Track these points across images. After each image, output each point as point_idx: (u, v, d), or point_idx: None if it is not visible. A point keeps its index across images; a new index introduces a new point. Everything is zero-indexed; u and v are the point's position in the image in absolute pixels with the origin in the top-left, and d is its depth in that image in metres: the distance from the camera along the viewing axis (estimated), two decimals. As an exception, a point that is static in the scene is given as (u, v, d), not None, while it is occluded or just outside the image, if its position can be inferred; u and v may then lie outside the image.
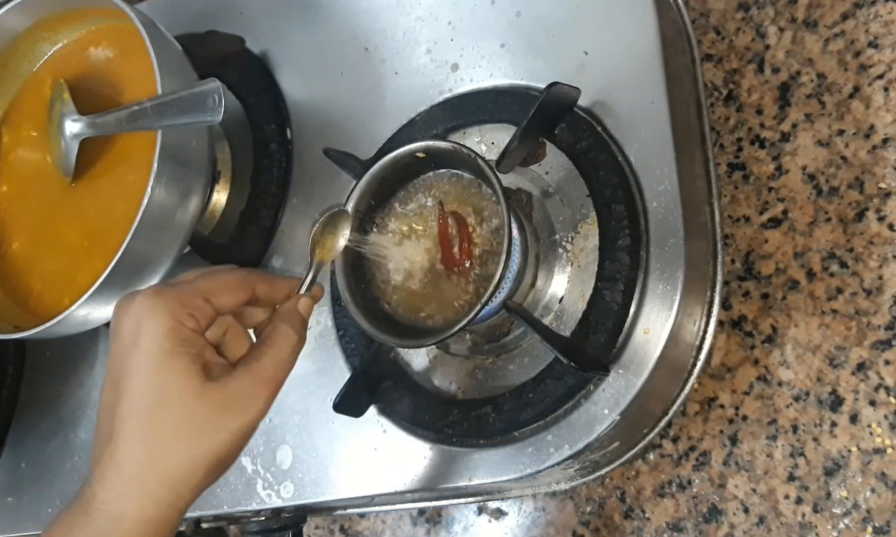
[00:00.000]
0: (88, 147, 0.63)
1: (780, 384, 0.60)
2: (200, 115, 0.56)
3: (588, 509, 0.65)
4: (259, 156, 0.70)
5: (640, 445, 0.59)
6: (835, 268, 0.60)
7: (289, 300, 0.51)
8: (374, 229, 0.58)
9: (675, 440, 0.63)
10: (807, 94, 0.63)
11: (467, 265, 0.54)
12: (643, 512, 0.63)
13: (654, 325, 0.54)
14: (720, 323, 0.60)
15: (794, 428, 0.59)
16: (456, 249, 0.54)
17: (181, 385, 0.44)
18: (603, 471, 0.60)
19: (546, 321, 0.58)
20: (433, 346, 0.62)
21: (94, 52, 0.68)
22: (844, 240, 0.60)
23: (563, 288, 0.59)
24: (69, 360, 0.76)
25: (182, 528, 0.69)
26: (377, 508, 0.68)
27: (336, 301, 0.65)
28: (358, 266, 0.57)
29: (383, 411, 0.61)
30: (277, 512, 0.66)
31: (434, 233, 0.56)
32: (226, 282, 0.48)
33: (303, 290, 0.51)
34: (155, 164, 0.57)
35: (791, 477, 0.59)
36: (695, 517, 0.61)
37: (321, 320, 0.65)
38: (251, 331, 0.51)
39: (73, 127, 0.63)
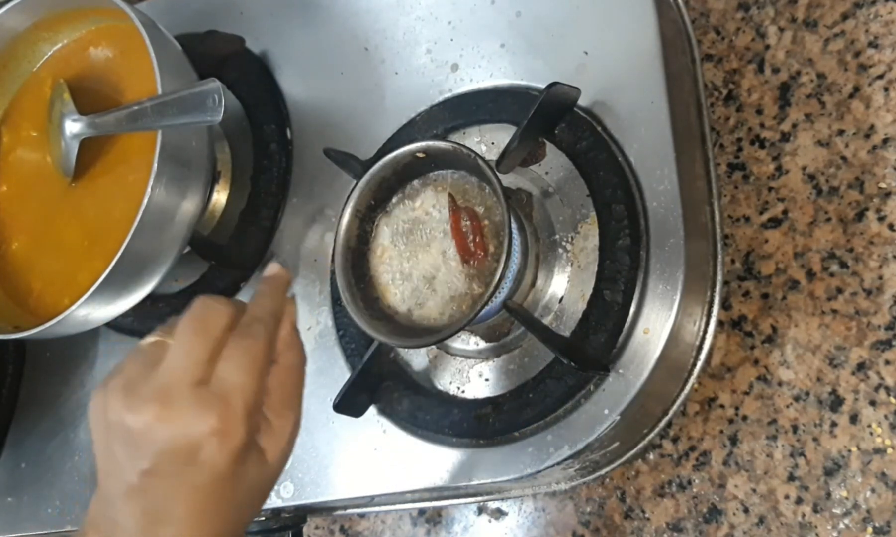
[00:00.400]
0: (88, 147, 0.63)
1: (780, 384, 0.60)
2: (200, 115, 0.56)
3: (588, 509, 0.65)
4: (259, 156, 0.70)
5: (640, 445, 0.59)
6: (835, 268, 0.60)
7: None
8: (375, 229, 0.58)
9: (675, 440, 0.63)
10: (807, 94, 0.63)
11: (482, 256, 0.54)
12: (643, 512, 0.63)
13: (654, 325, 0.54)
14: (720, 323, 0.60)
15: (794, 428, 0.59)
16: (471, 242, 0.54)
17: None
18: (603, 471, 0.60)
19: (546, 321, 0.58)
20: (433, 346, 0.62)
21: (94, 52, 0.68)
22: (844, 240, 0.60)
23: (563, 288, 0.59)
24: (69, 360, 0.76)
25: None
26: (377, 508, 0.68)
27: (336, 301, 0.65)
28: (358, 266, 0.58)
29: (383, 411, 0.61)
30: (277, 512, 0.66)
31: (433, 233, 0.56)
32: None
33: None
34: (155, 164, 0.57)
35: (791, 477, 0.59)
36: (695, 517, 0.61)
37: (321, 320, 0.65)
38: None
39: (73, 127, 0.63)
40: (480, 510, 0.69)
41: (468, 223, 0.55)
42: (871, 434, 0.57)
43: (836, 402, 0.58)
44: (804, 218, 0.61)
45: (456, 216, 0.55)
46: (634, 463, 0.64)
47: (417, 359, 0.63)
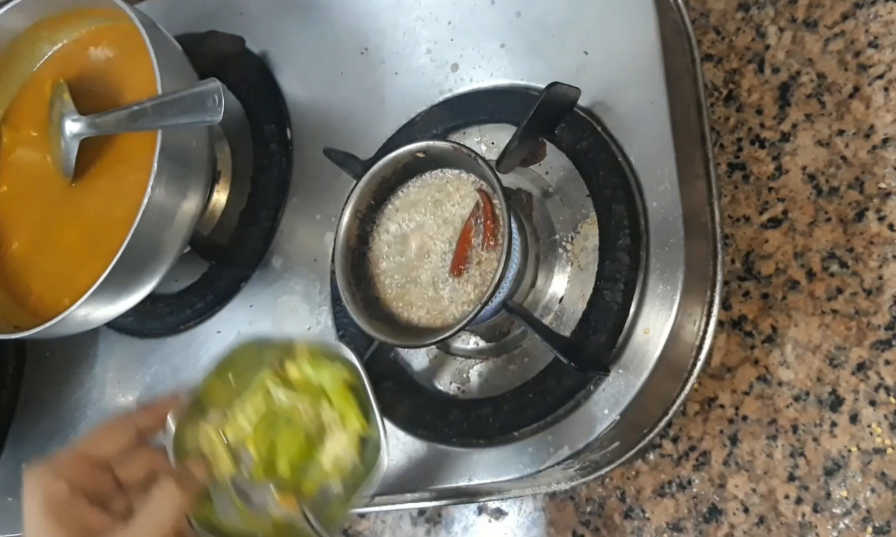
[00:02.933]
0: (88, 147, 0.63)
1: (780, 384, 0.60)
2: (200, 115, 0.56)
3: (588, 509, 0.65)
4: (259, 156, 0.70)
5: (640, 445, 0.59)
6: (835, 268, 0.60)
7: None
8: (374, 229, 0.58)
9: (675, 440, 0.63)
10: (807, 94, 0.63)
11: (492, 244, 0.54)
12: (643, 512, 0.63)
13: (654, 325, 0.54)
14: (720, 323, 0.60)
15: (794, 428, 0.59)
16: (480, 226, 0.54)
17: None
18: (603, 471, 0.60)
19: (546, 321, 0.58)
20: (433, 346, 0.62)
21: (94, 52, 0.68)
22: (844, 240, 0.60)
23: (563, 288, 0.59)
24: (69, 360, 0.76)
25: (182, 528, 0.69)
26: (377, 508, 0.68)
27: (336, 301, 0.65)
28: (358, 266, 0.58)
29: (383, 411, 0.61)
30: (277, 512, 0.66)
31: (434, 233, 0.56)
32: (100, 432, 0.50)
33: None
34: (155, 164, 0.57)
35: (791, 477, 0.59)
36: (695, 517, 0.61)
37: (321, 320, 0.65)
38: None
39: (73, 127, 0.63)
40: (480, 510, 0.69)
41: (480, 224, 0.54)
42: (871, 434, 0.57)
43: (836, 402, 0.58)
44: (804, 218, 0.61)
45: (468, 225, 0.54)
46: (634, 463, 0.63)
47: (417, 359, 0.63)
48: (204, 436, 0.53)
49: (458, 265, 0.55)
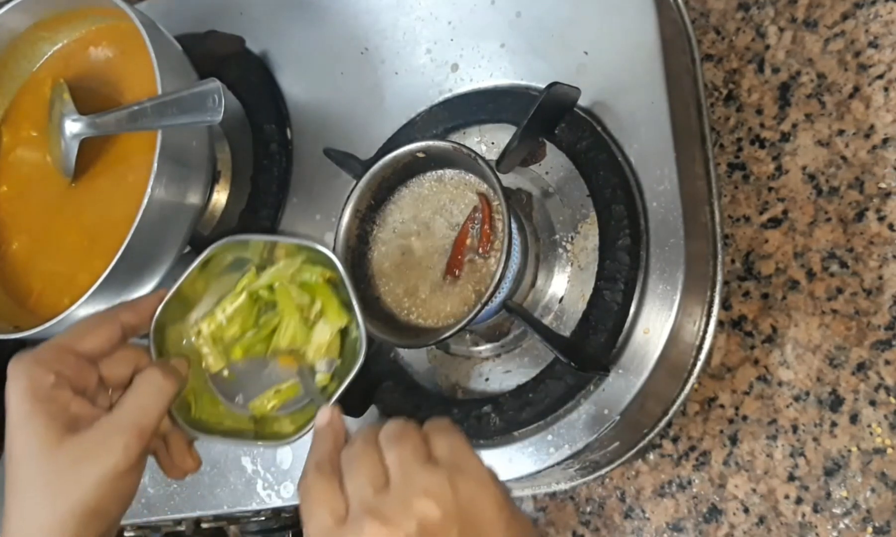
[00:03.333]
0: (88, 147, 0.63)
1: (780, 384, 0.60)
2: (200, 115, 0.56)
3: (588, 509, 0.65)
4: (259, 156, 0.70)
5: (640, 445, 0.59)
6: (835, 268, 0.60)
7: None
8: (375, 229, 0.58)
9: (675, 440, 0.63)
10: (807, 94, 0.63)
11: (487, 247, 0.54)
12: (643, 512, 0.63)
13: (654, 325, 0.54)
14: (720, 323, 0.60)
15: (794, 428, 0.59)
16: (476, 232, 0.54)
17: (40, 442, 0.45)
18: (603, 471, 0.60)
19: (546, 321, 0.58)
20: (433, 346, 0.62)
21: (94, 52, 0.68)
22: (844, 240, 0.60)
23: (563, 288, 0.59)
24: (69, 360, 0.75)
25: (182, 528, 0.69)
26: (377, 508, 0.68)
27: (336, 301, 0.65)
28: (358, 266, 0.58)
29: (383, 411, 0.61)
30: (277, 512, 0.66)
31: (433, 232, 0.56)
32: (86, 325, 0.50)
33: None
34: (155, 164, 0.57)
35: (791, 477, 0.59)
36: (695, 517, 0.61)
37: (321, 320, 0.65)
38: None
39: (73, 127, 0.63)
40: (480, 510, 0.69)
41: (477, 227, 0.54)
42: (871, 434, 0.57)
43: (836, 402, 0.58)
44: (804, 218, 0.61)
45: (465, 229, 0.55)
46: (634, 463, 0.64)
47: (417, 359, 0.63)
48: (187, 333, 0.53)
49: (453, 269, 0.55)
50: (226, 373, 0.54)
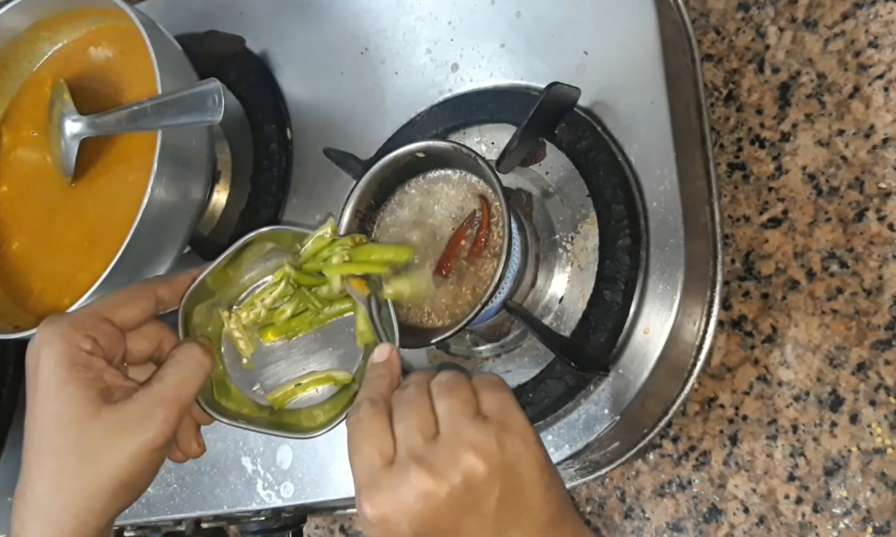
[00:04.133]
0: (88, 147, 0.63)
1: (780, 384, 0.60)
2: (200, 115, 0.56)
3: (588, 509, 0.65)
4: (259, 156, 0.70)
5: (640, 445, 0.59)
6: (835, 268, 0.60)
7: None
8: (375, 229, 0.58)
9: (675, 440, 0.63)
10: (807, 94, 0.63)
11: (479, 251, 0.54)
12: (643, 512, 0.63)
13: (654, 325, 0.54)
14: (720, 323, 0.60)
15: (794, 428, 0.59)
16: (472, 237, 0.54)
17: (76, 410, 0.44)
18: (603, 471, 0.60)
19: (546, 321, 0.58)
20: (433, 346, 0.62)
21: (94, 52, 0.68)
22: (844, 240, 0.60)
23: (563, 288, 0.59)
24: (69, 360, 0.75)
25: (182, 528, 0.69)
26: (377, 508, 0.68)
27: (336, 301, 0.65)
28: (358, 266, 0.58)
29: (383, 411, 0.61)
30: (277, 512, 0.66)
31: (433, 232, 0.56)
32: (123, 295, 0.49)
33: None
34: (155, 164, 0.57)
35: (791, 477, 0.59)
36: (695, 517, 0.61)
37: (321, 320, 0.65)
38: None
39: (73, 127, 0.63)
40: (480, 510, 0.69)
41: (474, 230, 0.54)
42: (871, 434, 0.57)
43: (836, 402, 0.58)
44: (804, 218, 0.61)
45: (462, 228, 0.55)
46: (634, 463, 0.64)
47: (417, 359, 0.63)
48: (215, 319, 0.54)
49: (444, 265, 0.54)
50: (245, 361, 0.54)
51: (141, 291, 0.49)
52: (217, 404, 0.52)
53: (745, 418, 0.61)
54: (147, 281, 0.51)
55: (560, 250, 0.59)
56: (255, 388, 0.54)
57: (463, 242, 0.55)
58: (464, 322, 0.51)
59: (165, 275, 0.53)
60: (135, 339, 0.49)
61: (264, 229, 0.53)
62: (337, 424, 0.50)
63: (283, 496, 0.64)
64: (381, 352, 0.47)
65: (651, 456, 0.63)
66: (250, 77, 0.71)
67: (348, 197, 0.57)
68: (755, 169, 0.64)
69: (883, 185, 0.60)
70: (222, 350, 0.54)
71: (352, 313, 0.54)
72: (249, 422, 0.52)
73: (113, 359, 0.47)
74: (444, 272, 0.54)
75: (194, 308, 0.53)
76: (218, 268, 0.53)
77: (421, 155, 0.55)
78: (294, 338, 0.54)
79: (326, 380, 0.53)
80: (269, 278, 0.54)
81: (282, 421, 0.53)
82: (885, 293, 0.58)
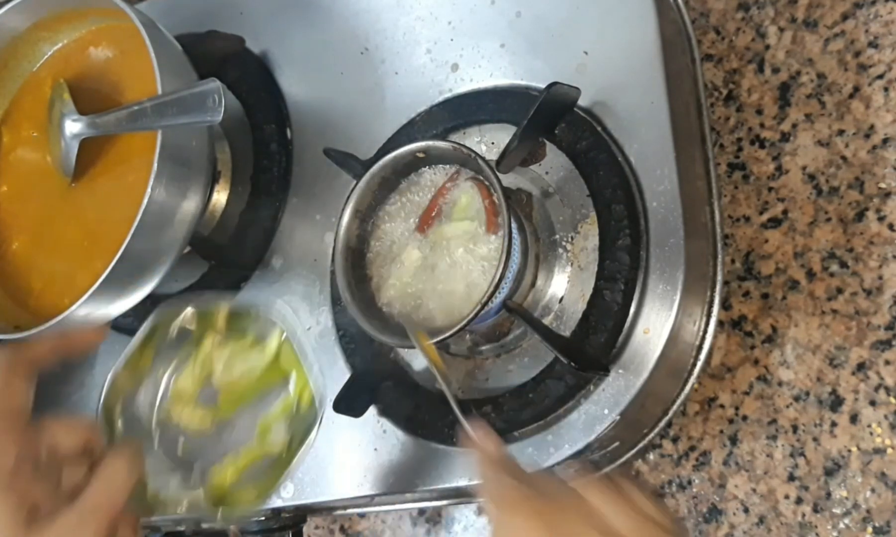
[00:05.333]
0: (88, 147, 0.63)
1: (780, 384, 0.60)
2: (200, 115, 0.56)
3: (588, 509, 0.65)
4: (259, 156, 0.70)
5: (640, 445, 0.59)
6: (835, 268, 0.60)
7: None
8: (375, 229, 0.58)
9: (675, 440, 0.63)
10: (807, 94, 0.63)
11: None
12: (643, 512, 0.63)
13: (654, 325, 0.54)
14: (720, 323, 0.60)
15: (794, 428, 0.59)
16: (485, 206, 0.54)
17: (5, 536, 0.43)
18: (603, 471, 0.60)
19: (546, 321, 0.58)
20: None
21: (94, 52, 0.68)
22: (844, 240, 0.60)
23: (563, 288, 0.59)
24: (69, 361, 0.75)
25: (182, 528, 0.69)
26: (377, 508, 0.68)
27: (336, 301, 0.65)
28: (358, 266, 0.58)
29: (383, 411, 0.61)
30: (277, 512, 0.66)
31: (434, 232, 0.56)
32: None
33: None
34: (155, 164, 0.57)
35: (791, 477, 0.59)
36: (695, 517, 0.61)
37: (321, 320, 0.65)
38: None
39: (73, 127, 0.63)
40: (480, 510, 0.69)
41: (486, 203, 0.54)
42: (871, 434, 0.57)
43: (836, 402, 0.58)
44: (804, 218, 0.61)
45: (442, 188, 0.54)
46: (634, 463, 0.64)
47: (417, 359, 0.63)
48: (144, 410, 0.53)
49: (425, 221, 0.54)
50: (182, 442, 0.53)
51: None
52: (154, 498, 0.51)
53: (745, 418, 0.61)
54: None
55: (560, 250, 0.59)
56: (195, 467, 0.53)
57: (441, 199, 0.54)
58: (464, 322, 0.51)
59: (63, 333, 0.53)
60: (59, 434, 0.48)
61: (162, 311, 0.53)
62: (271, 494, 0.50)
63: (283, 496, 0.64)
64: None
65: (651, 456, 0.63)
66: (250, 77, 0.71)
67: (348, 197, 0.57)
68: (755, 169, 0.64)
69: (883, 185, 0.60)
70: (154, 445, 0.53)
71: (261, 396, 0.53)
72: (190, 510, 0.51)
73: (38, 456, 0.46)
74: (424, 227, 0.54)
75: (115, 407, 0.52)
76: (134, 357, 0.52)
77: (421, 155, 0.56)
78: (221, 421, 0.53)
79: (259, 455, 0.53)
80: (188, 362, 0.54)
81: (224, 501, 0.52)
82: (885, 293, 0.58)
